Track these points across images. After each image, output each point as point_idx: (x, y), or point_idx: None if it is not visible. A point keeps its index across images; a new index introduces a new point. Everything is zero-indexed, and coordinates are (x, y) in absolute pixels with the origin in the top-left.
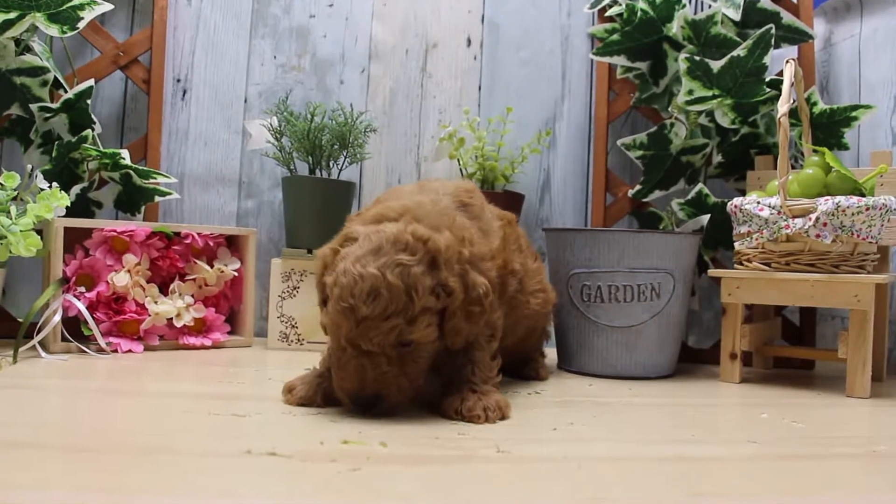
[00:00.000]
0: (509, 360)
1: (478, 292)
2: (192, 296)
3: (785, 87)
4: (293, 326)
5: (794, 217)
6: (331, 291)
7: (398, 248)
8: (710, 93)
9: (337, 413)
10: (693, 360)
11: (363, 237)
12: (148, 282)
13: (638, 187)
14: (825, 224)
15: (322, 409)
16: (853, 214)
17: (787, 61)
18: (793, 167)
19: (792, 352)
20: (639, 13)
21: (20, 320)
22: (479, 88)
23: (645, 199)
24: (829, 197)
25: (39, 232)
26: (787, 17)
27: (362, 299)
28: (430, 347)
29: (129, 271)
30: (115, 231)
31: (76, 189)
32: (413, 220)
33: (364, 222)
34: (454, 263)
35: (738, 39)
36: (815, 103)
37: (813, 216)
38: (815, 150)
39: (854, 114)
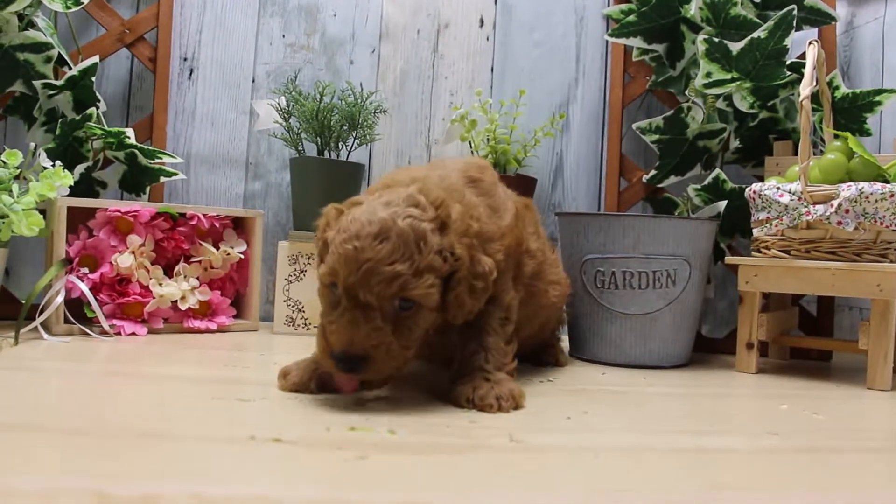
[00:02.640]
0: (523, 351)
1: (483, 268)
2: (198, 278)
3: (807, 69)
4: (300, 311)
5: (815, 203)
6: (333, 241)
7: (410, 203)
8: (728, 76)
9: (344, 399)
10: (707, 349)
11: (372, 199)
12: (152, 263)
13: (653, 172)
14: (847, 211)
15: (327, 394)
16: (877, 201)
17: (810, 43)
18: (812, 153)
19: (810, 342)
20: None
21: (23, 301)
22: (492, 70)
23: (660, 185)
24: (851, 183)
25: (42, 212)
26: None
27: (369, 241)
28: (429, 317)
29: (133, 252)
30: (119, 211)
31: (80, 168)
32: (422, 189)
33: (370, 192)
34: (463, 235)
35: (758, 21)
36: (837, 87)
37: (835, 203)
38: (836, 136)
39: (878, 98)
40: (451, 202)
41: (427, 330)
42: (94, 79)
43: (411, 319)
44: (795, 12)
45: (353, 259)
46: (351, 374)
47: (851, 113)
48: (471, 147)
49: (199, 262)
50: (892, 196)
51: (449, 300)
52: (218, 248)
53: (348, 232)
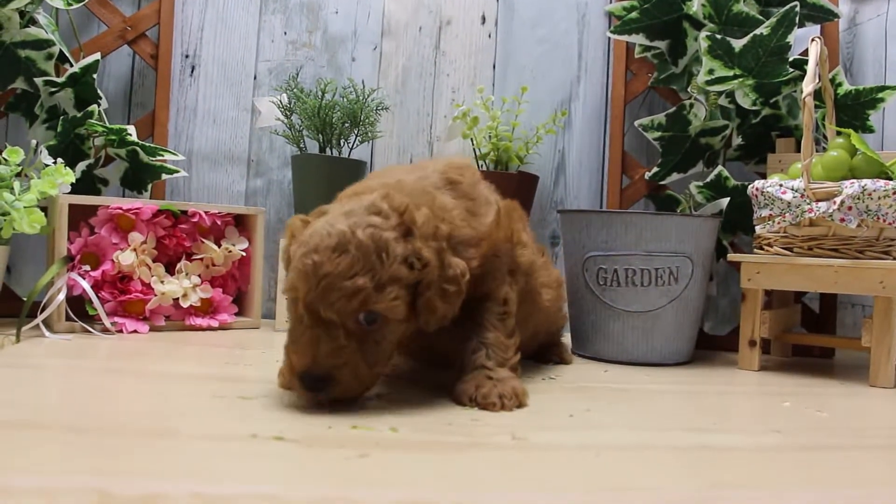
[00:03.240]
0: (525, 355)
1: (454, 271)
2: (199, 276)
3: (810, 66)
4: None
5: (817, 200)
6: (294, 255)
7: (371, 211)
8: (731, 73)
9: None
10: (709, 346)
11: (335, 209)
12: (154, 261)
13: (655, 169)
14: (850, 208)
15: None
16: (879, 198)
17: (813, 40)
18: (815, 151)
19: (812, 339)
20: None
21: (24, 299)
22: (494, 67)
23: (662, 182)
24: (854, 180)
25: (44, 209)
26: None
27: (327, 255)
28: (397, 329)
29: (134, 250)
30: (120, 208)
31: (81, 166)
32: (385, 196)
33: (339, 199)
34: (430, 239)
35: (760, 17)
36: (839, 84)
37: (838, 200)
38: (839, 132)
39: (880, 95)
40: (418, 206)
41: (396, 341)
42: (95, 76)
43: (378, 333)
44: (798, 9)
45: (312, 274)
46: (316, 395)
47: (854, 110)
48: (473, 144)
49: (201, 259)
50: (895, 193)
51: (419, 306)
52: (219, 246)
53: (307, 246)
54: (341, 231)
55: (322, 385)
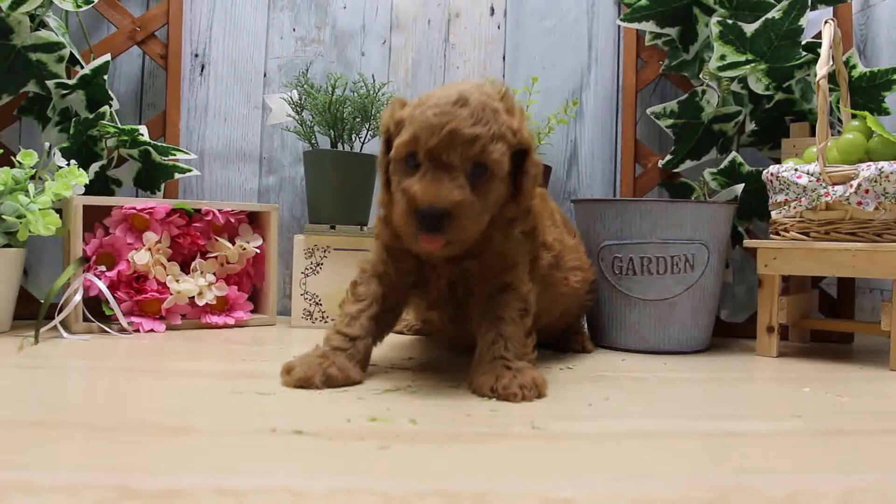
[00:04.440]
0: (546, 338)
1: (540, 166)
2: (214, 274)
3: (824, 48)
4: (317, 304)
5: (833, 184)
6: (411, 115)
7: (479, 87)
8: (743, 58)
9: (364, 390)
10: (726, 334)
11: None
12: (169, 260)
13: (668, 157)
14: (867, 191)
15: (345, 387)
16: None
17: (826, 22)
18: (830, 134)
19: (831, 325)
20: None
21: (42, 301)
22: (504, 58)
23: (675, 170)
24: (871, 163)
25: (58, 211)
26: None
27: (449, 108)
28: (496, 191)
29: (149, 249)
30: (134, 208)
31: (95, 167)
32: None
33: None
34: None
35: (772, 1)
36: (853, 66)
37: (854, 183)
38: (854, 115)
39: (895, 77)
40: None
41: (495, 206)
42: (106, 77)
43: (485, 187)
44: None
45: (436, 124)
46: (434, 235)
47: (869, 92)
48: None
49: (216, 257)
50: None
51: (518, 182)
52: (234, 244)
53: (427, 103)
54: (460, 90)
55: (442, 222)
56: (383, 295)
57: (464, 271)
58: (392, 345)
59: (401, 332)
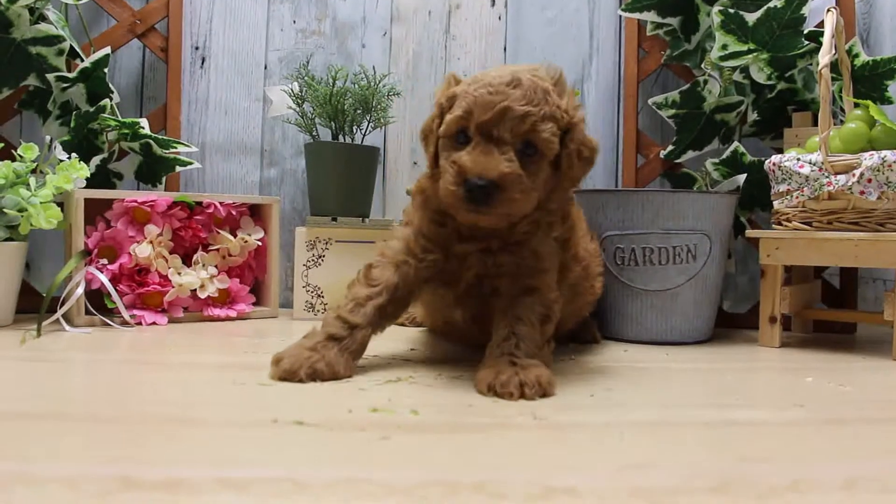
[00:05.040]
0: (559, 334)
1: (591, 143)
2: (216, 266)
3: (826, 37)
4: (319, 296)
5: (836, 174)
6: (464, 92)
7: (532, 69)
8: (745, 47)
9: (365, 380)
10: (729, 324)
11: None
12: (171, 253)
13: (670, 148)
14: (870, 180)
15: (343, 379)
16: None
17: (829, 10)
18: (832, 124)
19: (834, 315)
20: None
21: (44, 294)
22: (504, 49)
23: (677, 160)
24: (873, 152)
25: (60, 204)
26: None
27: (502, 87)
28: (543, 172)
29: (151, 242)
30: (136, 201)
31: (96, 160)
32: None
33: None
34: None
35: None
36: (856, 55)
37: (857, 172)
38: (857, 104)
39: None
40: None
41: (540, 188)
42: (106, 70)
43: (533, 166)
44: None
45: (489, 101)
46: (481, 208)
47: (872, 81)
48: None
49: (217, 250)
50: None
51: (562, 158)
52: (235, 236)
53: (481, 82)
54: (513, 71)
55: (492, 194)
56: (396, 285)
57: (496, 266)
58: (394, 336)
59: (402, 325)
